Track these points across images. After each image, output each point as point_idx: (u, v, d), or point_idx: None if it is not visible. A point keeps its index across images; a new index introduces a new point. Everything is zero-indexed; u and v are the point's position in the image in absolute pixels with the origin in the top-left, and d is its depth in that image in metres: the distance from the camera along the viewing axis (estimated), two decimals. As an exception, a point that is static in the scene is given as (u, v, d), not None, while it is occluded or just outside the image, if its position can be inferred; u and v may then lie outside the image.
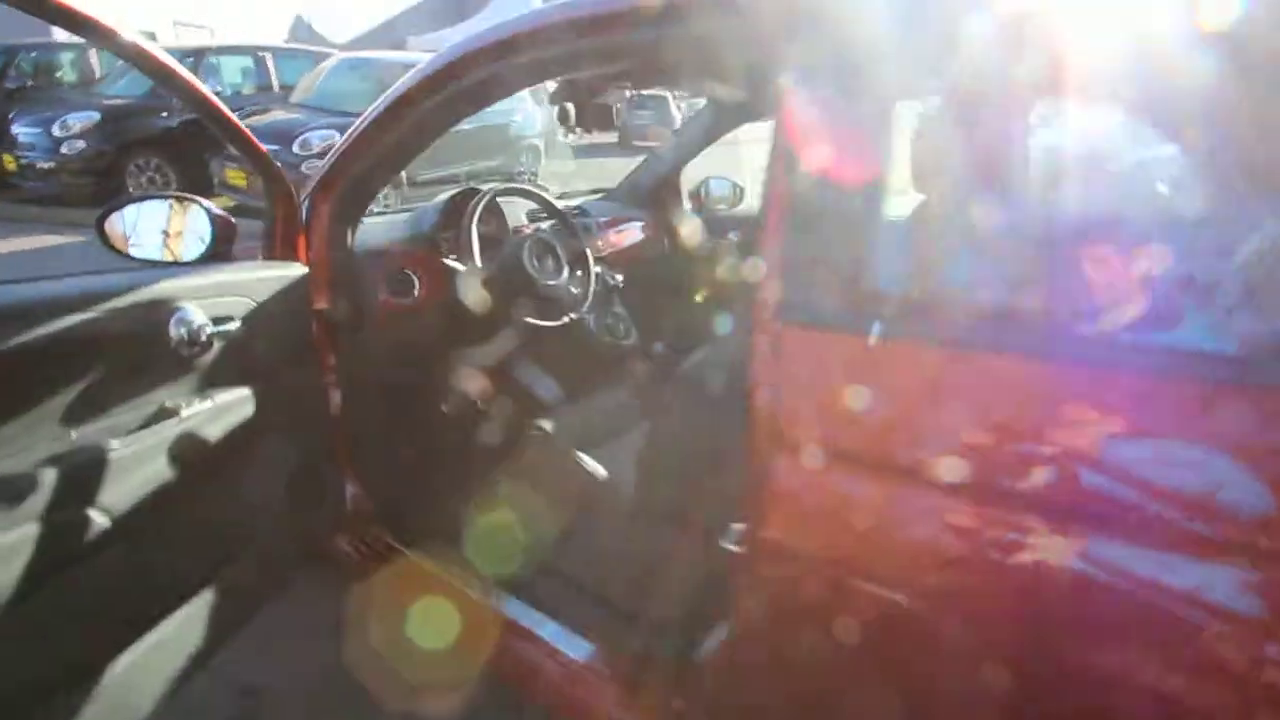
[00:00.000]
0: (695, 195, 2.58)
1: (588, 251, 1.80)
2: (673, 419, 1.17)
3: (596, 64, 1.32)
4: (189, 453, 1.13)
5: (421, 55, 9.20)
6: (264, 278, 1.32)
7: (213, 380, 1.21)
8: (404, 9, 21.69)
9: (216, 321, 1.18)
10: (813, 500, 0.78)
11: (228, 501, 1.25)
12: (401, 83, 1.40)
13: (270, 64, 7.96)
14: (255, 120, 6.36)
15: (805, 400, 0.79)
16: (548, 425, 1.57)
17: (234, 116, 1.25)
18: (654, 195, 2.52)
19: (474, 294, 1.58)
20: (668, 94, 13.84)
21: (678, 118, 13.78)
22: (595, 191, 2.62)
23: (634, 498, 1.38)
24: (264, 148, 1.33)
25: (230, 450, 1.22)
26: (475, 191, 1.76)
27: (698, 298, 2.40)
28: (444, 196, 1.74)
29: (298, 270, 1.40)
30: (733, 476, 0.97)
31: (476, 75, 1.33)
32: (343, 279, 1.53)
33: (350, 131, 1.48)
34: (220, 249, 1.34)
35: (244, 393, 1.27)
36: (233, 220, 1.39)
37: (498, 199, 1.71)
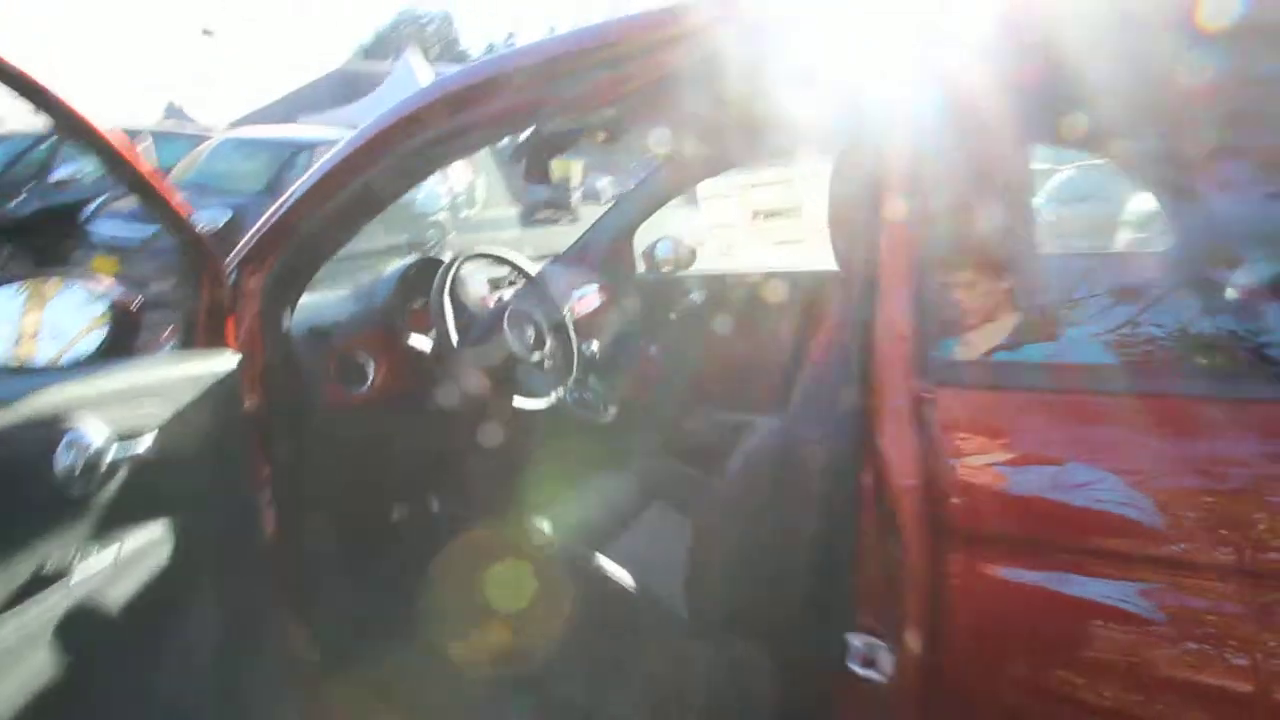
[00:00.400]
0: (647, 256, 2.46)
1: (567, 319, 1.61)
2: (730, 517, 0.97)
3: (594, 103, 1.17)
4: (84, 633, 0.80)
5: (318, 129, 8.88)
6: (186, 373, 1.03)
7: (117, 521, 0.89)
8: (286, 93, 21.18)
9: (123, 439, 0.88)
10: (1010, 606, 0.61)
11: (136, 700, 0.91)
12: (355, 135, 1.19)
13: (144, 145, 7.35)
14: (127, 203, 5.77)
15: (985, 477, 0.62)
16: (544, 526, 1.32)
17: (148, 167, 0.98)
18: (607, 258, 2.37)
19: (450, 377, 1.34)
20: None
21: (576, 194, 14.05)
22: (543, 257, 2.44)
23: (686, 614, 1.14)
24: (185, 209, 1.06)
25: (142, 622, 0.89)
26: (434, 260, 1.53)
27: (677, 363, 2.26)
28: (399, 266, 1.50)
29: (228, 360, 1.11)
30: (831, 581, 0.79)
31: (443, 126, 1.13)
32: (279, 369, 1.25)
33: (288, 195, 1.23)
34: (121, 340, 1.03)
35: (160, 532, 0.95)
36: (135, 300, 1.09)
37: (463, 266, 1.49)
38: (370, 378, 1.37)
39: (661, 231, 2.48)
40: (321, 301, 1.48)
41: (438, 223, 7.78)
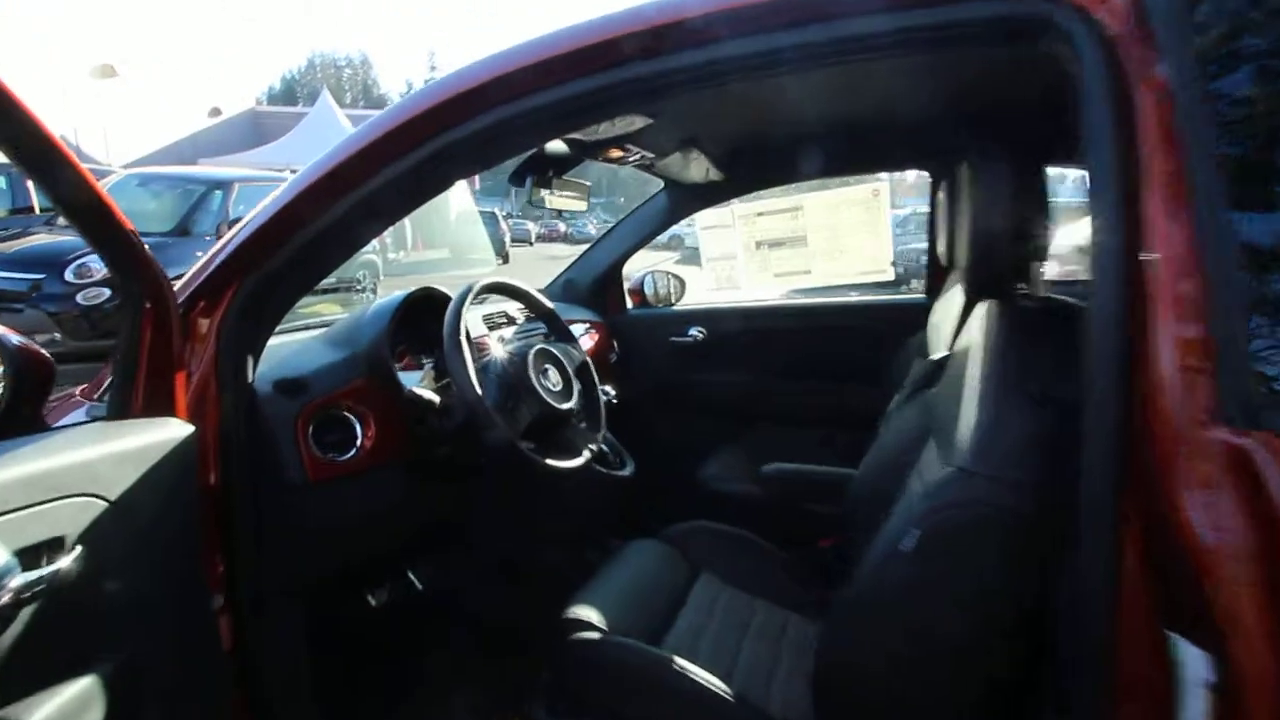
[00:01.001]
0: (636, 292, 2.27)
1: (589, 362, 1.37)
2: (911, 606, 0.75)
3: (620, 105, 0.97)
4: None
5: (232, 169, 8.28)
6: (122, 450, 0.74)
7: (22, 677, 0.59)
8: (192, 132, 20.07)
9: (27, 558, 0.59)
10: None
11: None
12: (351, 139, 0.94)
13: (30, 184, 6.61)
14: (11, 246, 5.10)
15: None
16: (592, 615, 1.06)
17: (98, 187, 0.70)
18: (593, 294, 2.17)
19: (467, 435, 1.08)
20: (496, 210, 13.88)
21: (506, 236, 13.77)
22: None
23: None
24: (136, 235, 0.77)
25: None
26: (430, 294, 1.28)
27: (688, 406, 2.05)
28: (387, 301, 1.23)
29: (177, 430, 0.82)
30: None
31: (466, 129, 0.90)
32: (241, 435, 0.96)
33: (252, 216, 0.97)
34: (24, 409, 0.74)
35: (89, 684, 0.65)
36: (45, 354, 0.79)
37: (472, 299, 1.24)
38: (359, 440, 1.10)
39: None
40: (285, 349, 1.20)
41: (369, 263, 7.35)
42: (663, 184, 1.99)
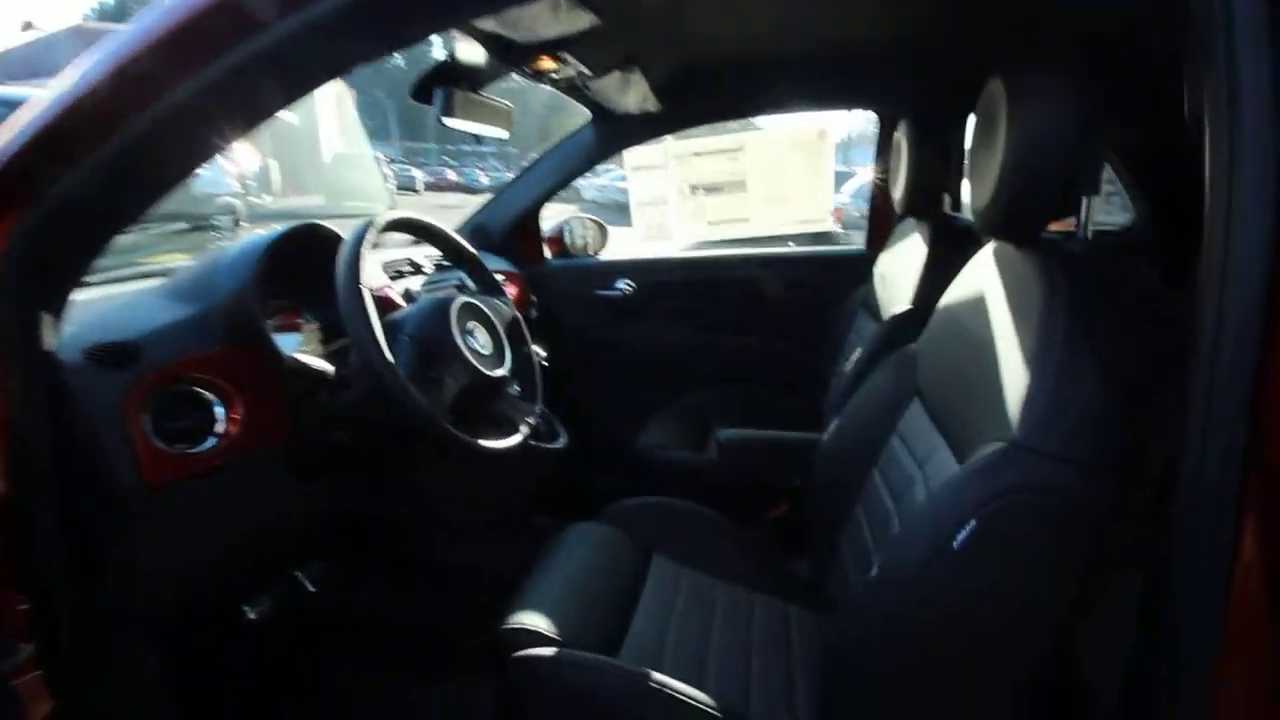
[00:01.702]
0: (554, 240, 2.03)
1: (520, 319, 1.14)
2: (951, 603, 0.61)
3: None
4: None
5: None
6: None
7: None
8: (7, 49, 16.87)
9: None
10: None
11: None
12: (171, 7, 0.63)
13: None
14: None
15: None
16: (539, 622, 0.87)
17: None
18: (507, 241, 1.91)
19: (371, 412, 0.84)
20: (378, 155, 12.76)
21: (390, 184, 12.70)
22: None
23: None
24: None
25: None
26: (318, 229, 1.00)
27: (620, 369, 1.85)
28: (259, 239, 0.93)
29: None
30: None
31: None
32: (39, 422, 0.67)
33: (26, 121, 0.65)
34: None
35: None
36: None
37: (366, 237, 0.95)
38: (219, 426, 0.82)
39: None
40: (103, 305, 0.88)
41: (228, 205, 6.46)
42: (590, 118, 1.75)
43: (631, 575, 1.07)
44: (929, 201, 1.40)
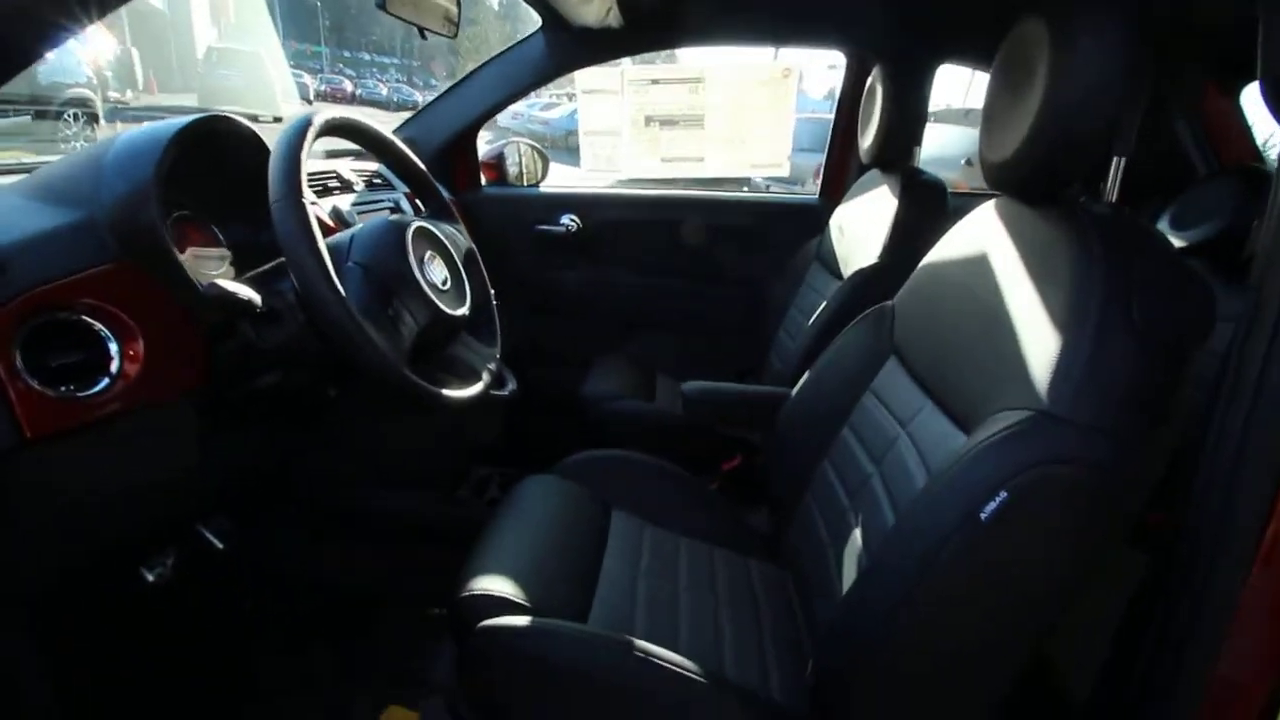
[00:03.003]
0: (492, 166, 1.85)
1: (474, 250, 1.00)
2: (981, 584, 0.58)
3: None
4: None
5: None
6: None
7: None
8: None
9: None
10: None
11: None
12: None
13: None
14: None
15: None
16: (504, 587, 0.79)
17: None
18: (438, 163, 1.72)
19: (312, 352, 0.70)
20: (261, 52, 11.40)
21: (275, 82, 11.37)
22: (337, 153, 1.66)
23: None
24: None
25: None
26: (230, 123, 0.81)
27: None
28: (159, 129, 0.73)
29: None
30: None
31: None
32: None
33: None
34: None
35: None
36: None
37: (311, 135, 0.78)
38: (114, 365, 0.66)
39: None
40: None
41: (80, 98, 5.53)
42: (539, 25, 1.57)
43: (593, 532, 1.01)
44: (901, 153, 1.36)
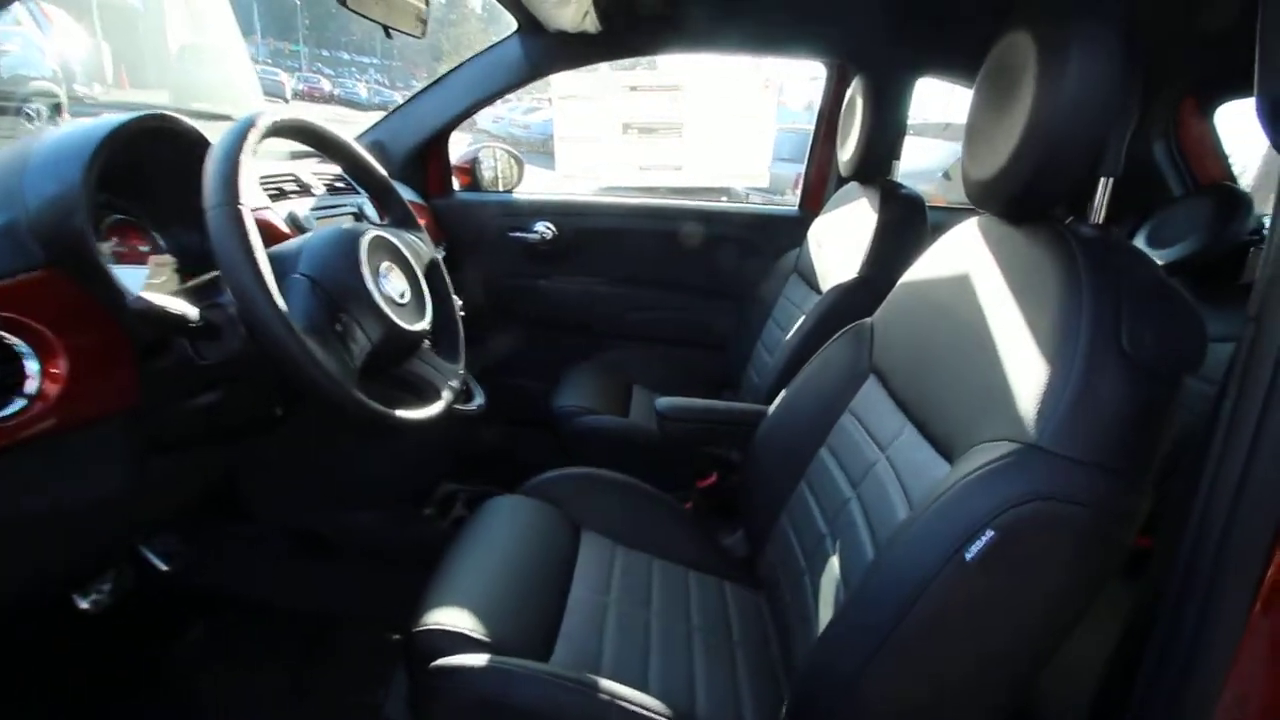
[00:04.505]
0: (465, 170, 1.80)
1: (438, 260, 0.95)
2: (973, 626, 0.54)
3: None
4: None
5: None
6: None
7: None
8: None
9: None
10: None
11: None
12: None
13: None
14: None
15: None
16: (462, 620, 0.75)
17: None
18: (410, 166, 1.67)
19: (255, 371, 0.65)
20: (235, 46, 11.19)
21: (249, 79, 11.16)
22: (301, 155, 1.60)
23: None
24: None
25: None
26: (170, 121, 0.76)
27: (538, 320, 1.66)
28: (91, 128, 0.67)
29: None
30: None
31: None
32: None
33: None
34: None
35: None
36: None
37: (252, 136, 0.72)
38: (33, 383, 0.60)
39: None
40: None
41: (44, 90, 5.35)
42: (515, 29, 1.52)
43: (561, 556, 0.97)
44: (880, 167, 1.34)
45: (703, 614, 0.97)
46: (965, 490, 0.57)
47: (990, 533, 0.54)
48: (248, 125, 0.67)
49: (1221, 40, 1.12)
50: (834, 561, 0.80)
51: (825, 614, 0.78)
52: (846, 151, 1.38)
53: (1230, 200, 1.33)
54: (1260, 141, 0.49)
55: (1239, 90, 1.42)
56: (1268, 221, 1.36)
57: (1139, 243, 1.39)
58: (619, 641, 0.86)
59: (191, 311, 0.63)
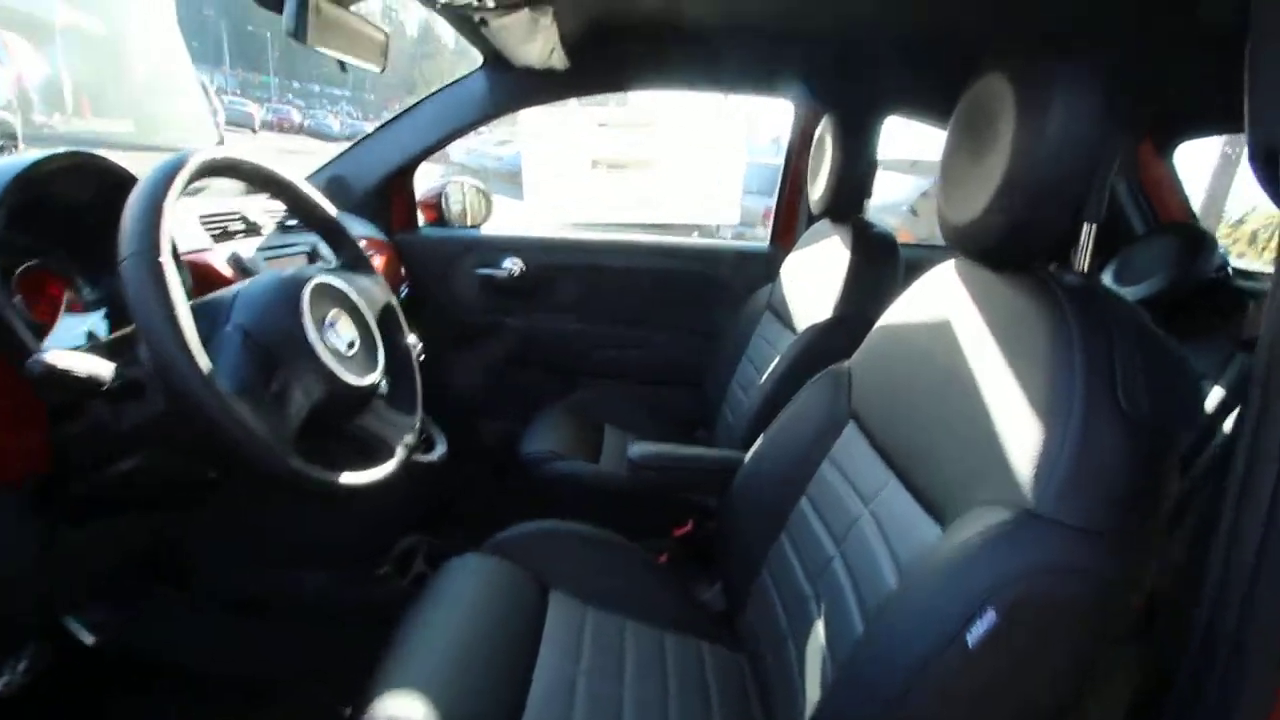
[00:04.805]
0: (431, 206, 1.76)
1: (395, 306, 0.89)
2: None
3: None
4: None
5: None
6: None
7: None
8: None
9: None
10: None
11: None
12: None
13: None
14: None
15: None
16: (414, 708, 0.67)
17: None
18: (372, 201, 1.61)
19: (177, 435, 0.59)
20: (204, 81, 11.08)
21: (219, 117, 11.06)
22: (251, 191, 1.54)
23: None
24: None
25: None
26: (95, 160, 0.70)
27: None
28: (6, 163, 0.61)
29: None
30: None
31: None
32: None
33: None
34: None
35: None
36: None
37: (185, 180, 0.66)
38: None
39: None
40: None
41: (1, 122, 5.20)
42: (481, 63, 1.50)
43: (527, 623, 0.90)
44: (852, 205, 1.33)
45: (680, 679, 0.90)
46: (961, 562, 0.53)
47: (992, 613, 0.49)
48: (175, 166, 0.61)
49: (1179, 82, 1.14)
50: (819, 627, 0.75)
51: (812, 685, 0.73)
52: (817, 190, 1.37)
53: (1194, 238, 1.35)
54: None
55: (1195, 131, 1.45)
56: (1237, 263, 1.37)
57: (1106, 278, 1.40)
58: (590, 716, 0.80)
59: (105, 371, 0.57)
